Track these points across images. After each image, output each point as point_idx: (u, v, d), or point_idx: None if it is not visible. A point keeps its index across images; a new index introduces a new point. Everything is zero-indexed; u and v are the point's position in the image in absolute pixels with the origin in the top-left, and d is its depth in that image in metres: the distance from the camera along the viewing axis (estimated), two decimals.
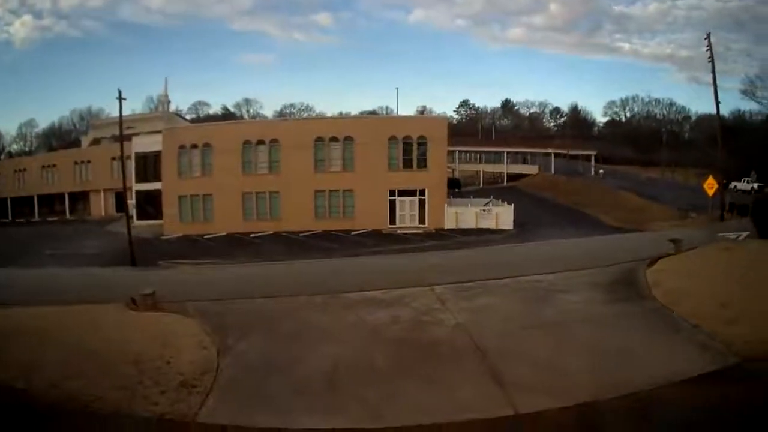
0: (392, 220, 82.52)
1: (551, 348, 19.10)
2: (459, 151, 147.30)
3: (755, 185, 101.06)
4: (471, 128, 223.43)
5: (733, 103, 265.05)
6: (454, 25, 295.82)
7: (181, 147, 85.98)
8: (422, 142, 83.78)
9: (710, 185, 53.84)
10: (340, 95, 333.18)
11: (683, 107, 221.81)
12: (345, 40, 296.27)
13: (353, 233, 76.79)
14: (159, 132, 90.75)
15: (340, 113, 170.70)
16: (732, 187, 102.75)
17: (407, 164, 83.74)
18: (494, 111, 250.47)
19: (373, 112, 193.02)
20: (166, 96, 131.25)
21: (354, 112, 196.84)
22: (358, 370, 17.46)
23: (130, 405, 14.71)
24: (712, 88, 77.49)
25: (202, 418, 14.59)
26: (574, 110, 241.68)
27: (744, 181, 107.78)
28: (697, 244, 37.28)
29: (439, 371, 17.29)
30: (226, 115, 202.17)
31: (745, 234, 47.95)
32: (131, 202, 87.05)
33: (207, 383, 16.27)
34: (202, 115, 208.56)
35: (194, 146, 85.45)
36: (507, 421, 14.44)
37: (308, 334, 20.94)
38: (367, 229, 78.82)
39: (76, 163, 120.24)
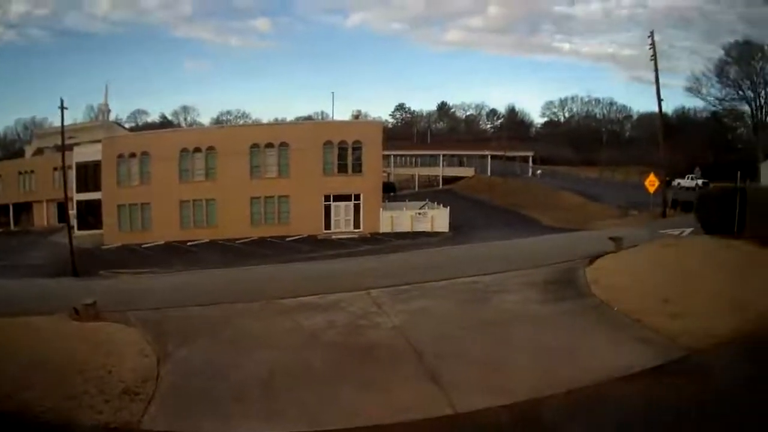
0: (327, 225, 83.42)
1: (489, 348, 19.25)
2: (394, 155, 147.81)
3: (700, 182, 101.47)
4: (407, 132, 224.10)
5: (678, 100, 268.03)
6: (391, 29, 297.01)
7: (120, 156, 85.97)
8: (357, 147, 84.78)
9: (651, 182, 54.72)
10: (277, 101, 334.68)
11: (624, 106, 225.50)
12: (283, 45, 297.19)
13: (289, 239, 77.39)
14: (99, 141, 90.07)
15: (276, 119, 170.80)
16: (675, 184, 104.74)
17: (342, 169, 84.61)
18: (430, 114, 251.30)
19: (309, 118, 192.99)
20: (107, 105, 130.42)
21: (290, 117, 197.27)
22: (295, 375, 17.44)
23: (77, 414, 14.70)
24: (654, 86, 78.84)
25: (145, 426, 14.59)
26: (512, 112, 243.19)
27: (688, 178, 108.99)
28: (639, 242, 37.74)
29: (376, 374, 17.36)
30: (164, 123, 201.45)
31: (689, 230, 48.15)
32: (72, 212, 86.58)
33: (149, 391, 16.27)
34: (140, 124, 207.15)
35: (132, 155, 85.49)
36: (446, 421, 14.54)
37: (246, 340, 20.97)
38: (303, 235, 79.14)
39: (20, 173, 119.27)
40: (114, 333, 21.42)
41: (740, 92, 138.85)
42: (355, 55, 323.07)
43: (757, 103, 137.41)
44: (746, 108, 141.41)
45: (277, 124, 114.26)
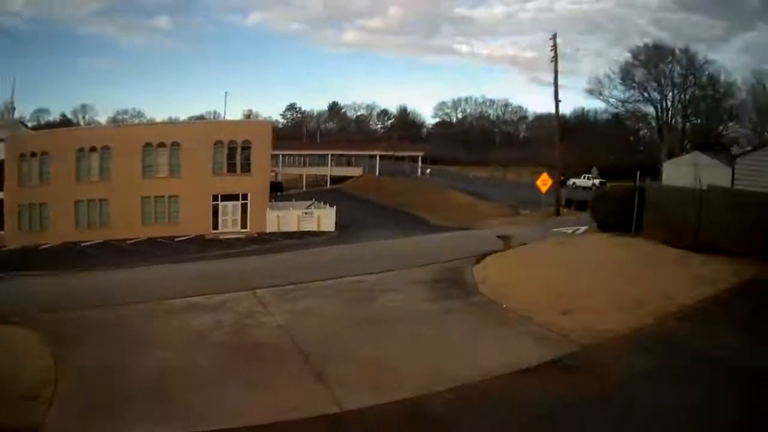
0: (215, 225, 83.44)
1: (376, 346, 19.44)
2: (283, 155, 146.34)
3: (596, 181, 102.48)
4: (297, 132, 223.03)
5: (580, 102, 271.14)
6: (290, 29, 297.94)
7: (22, 155, 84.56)
8: (247, 147, 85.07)
9: (544, 182, 55.54)
10: (174, 100, 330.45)
11: (520, 107, 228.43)
12: (183, 43, 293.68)
13: (178, 239, 77.12)
14: (2, 141, 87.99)
15: (170, 118, 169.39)
16: (571, 183, 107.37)
17: (231, 168, 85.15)
18: (321, 114, 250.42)
19: (201, 117, 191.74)
20: (12, 103, 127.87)
21: (185, 116, 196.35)
22: (185, 375, 17.46)
23: None
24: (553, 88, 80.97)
25: (47, 430, 14.50)
26: (403, 112, 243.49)
27: (584, 178, 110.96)
28: (529, 240, 39.22)
29: (262, 373, 17.43)
30: (64, 122, 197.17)
31: (583, 228, 49.98)
32: None
33: (48, 394, 16.18)
34: (42, 122, 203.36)
35: (33, 154, 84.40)
36: (333, 419, 14.69)
37: (138, 341, 20.69)
38: (191, 235, 79.00)
39: None
40: (13, 336, 21.33)
41: (645, 94, 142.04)
42: (252, 55, 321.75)
43: (664, 105, 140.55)
44: (651, 110, 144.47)
45: (170, 124, 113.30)
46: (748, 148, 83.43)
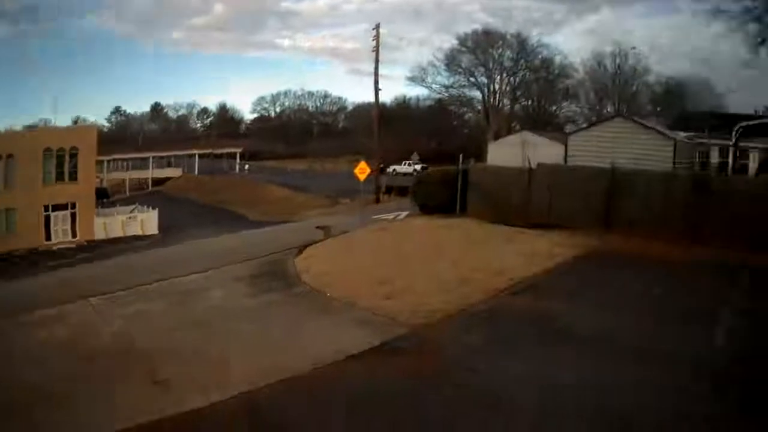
0: (48, 236, 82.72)
1: (204, 345, 18.96)
2: (107, 160, 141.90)
3: (417, 167, 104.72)
4: (122, 135, 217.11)
5: (403, 90, 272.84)
6: (123, 30, 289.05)
7: None
8: (74, 153, 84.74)
9: (361, 170, 55.64)
10: (11, 108, 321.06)
11: (339, 98, 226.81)
12: (19, 50, 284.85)
13: (15, 253, 75.63)
14: None
15: (5, 128, 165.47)
16: (391, 170, 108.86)
17: (59, 177, 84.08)
18: (144, 116, 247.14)
19: (33, 126, 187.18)
20: None
21: (20, 126, 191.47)
22: (23, 390, 15.87)
23: None
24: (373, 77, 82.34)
25: None
26: (222, 109, 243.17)
27: (405, 164, 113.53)
28: (350, 228, 39.64)
29: (102, 381, 16.44)
30: None
31: (404, 213, 50.16)
32: None
33: None
34: None
35: None
36: (172, 421, 14.09)
37: None
38: (27, 248, 77.99)
39: None
40: None
41: (471, 79, 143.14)
42: (86, 58, 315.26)
43: (491, 89, 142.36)
44: (477, 93, 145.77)
45: (3, 134, 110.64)
46: (584, 126, 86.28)
